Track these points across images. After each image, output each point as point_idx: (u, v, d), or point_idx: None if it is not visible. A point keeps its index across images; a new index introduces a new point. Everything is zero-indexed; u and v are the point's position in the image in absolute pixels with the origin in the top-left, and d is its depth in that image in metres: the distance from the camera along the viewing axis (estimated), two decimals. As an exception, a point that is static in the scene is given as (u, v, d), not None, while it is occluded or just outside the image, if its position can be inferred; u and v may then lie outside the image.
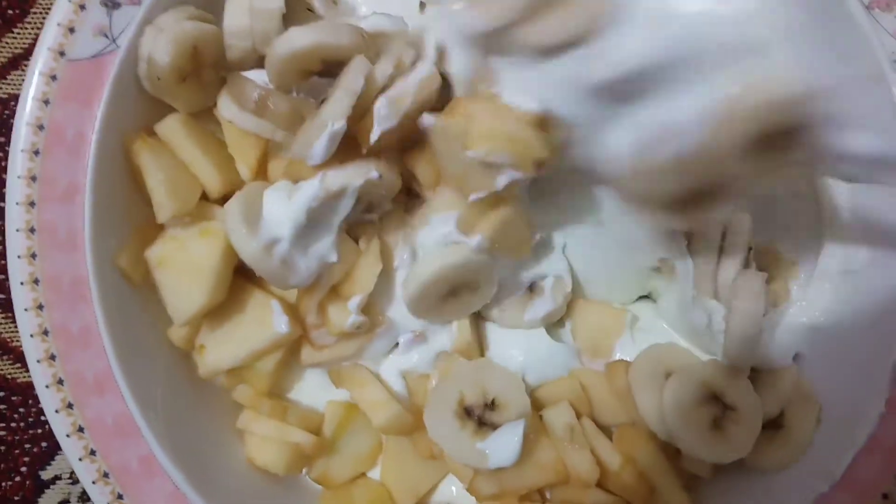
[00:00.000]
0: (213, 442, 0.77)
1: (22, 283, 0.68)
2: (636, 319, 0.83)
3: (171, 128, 0.72)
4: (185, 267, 0.71)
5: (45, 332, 0.69)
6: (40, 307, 0.69)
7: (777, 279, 0.82)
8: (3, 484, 0.91)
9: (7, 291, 0.89)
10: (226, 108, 0.71)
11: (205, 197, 0.75)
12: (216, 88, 0.73)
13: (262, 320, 0.73)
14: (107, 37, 0.69)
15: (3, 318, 0.90)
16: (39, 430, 0.91)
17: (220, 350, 0.74)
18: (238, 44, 0.71)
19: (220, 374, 0.76)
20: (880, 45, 0.72)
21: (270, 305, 0.73)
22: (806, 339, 0.79)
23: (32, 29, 0.89)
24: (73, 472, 0.91)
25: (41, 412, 0.90)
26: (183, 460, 0.71)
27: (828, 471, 0.72)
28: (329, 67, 0.66)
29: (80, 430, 0.69)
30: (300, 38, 0.65)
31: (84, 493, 0.91)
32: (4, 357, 0.90)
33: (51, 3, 0.86)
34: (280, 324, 0.72)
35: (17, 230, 0.68)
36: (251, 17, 0.69)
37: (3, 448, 0.90)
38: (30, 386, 0.90)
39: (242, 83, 0.70)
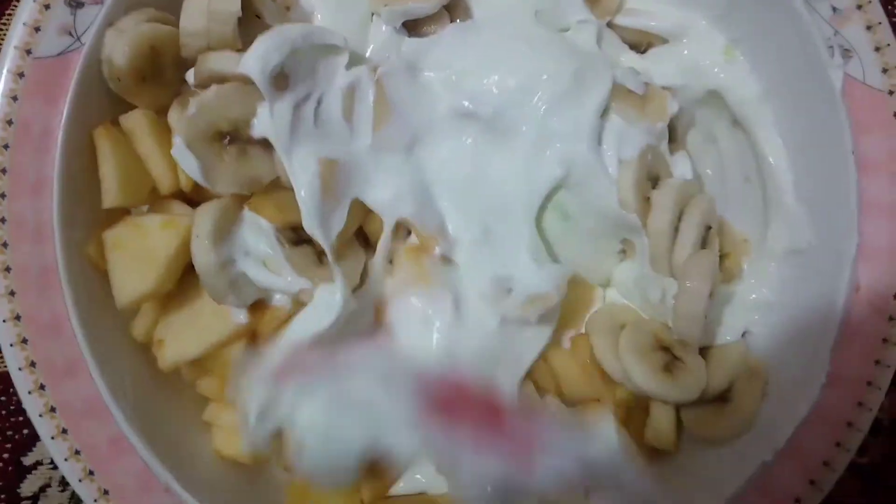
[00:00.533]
0: (182, 423, 0.80)
1: (-7, 272, 0.71)
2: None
3: (135, 121, 0.75)
4: (138, 252, 0.73)
5: (18, 318, 0.72)
6: (12, 293, 0.72)
7: (730, 256, 0.85)
8: (-14, 470, 0.94)
9: (-16, 283, 0.93)
10: (174, 116, 0.75)
11: (156, 192, 0.77)
12: (176, 88, 0.76)
13: (220, 312, 0.75)
14: (71, 35, 0.72)
15: (-17, 309, 0.93)
16: (21, 418, 0.93)
17: (179, 343, 0.76)
18: (193, 43, 0.73)
19: (181, 366, 0.78)
20: (818, 32, 0.75)
21: None
22: (754, 315, 0.83)
23: (3, 29, 0.92)
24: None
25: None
26: (152, 439, 0.74)
27: (773, 440, 0.75)
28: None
29: (53, 409, 0.72)
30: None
31: (65, 478, 0.94)
32: (-14, 347, 0.93)
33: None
34: (238, 315, 0.75)
35: (-12, 221, 0.71)
36: (208, 18, 0.72)
37: (-15, 435, 0.93)
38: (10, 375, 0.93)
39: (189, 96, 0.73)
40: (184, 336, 0.76)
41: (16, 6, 0.90)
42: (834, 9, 0.74)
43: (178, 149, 0.70)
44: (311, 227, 0.72)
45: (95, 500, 0.72)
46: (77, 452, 0.72)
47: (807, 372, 0.75)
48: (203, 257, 0.72)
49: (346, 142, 0.76)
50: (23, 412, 0.92)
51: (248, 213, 0.75)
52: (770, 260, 0.82)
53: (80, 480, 0.72)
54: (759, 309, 0.82)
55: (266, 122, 0.71)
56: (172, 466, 0.73)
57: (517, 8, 0.82)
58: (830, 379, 0.74)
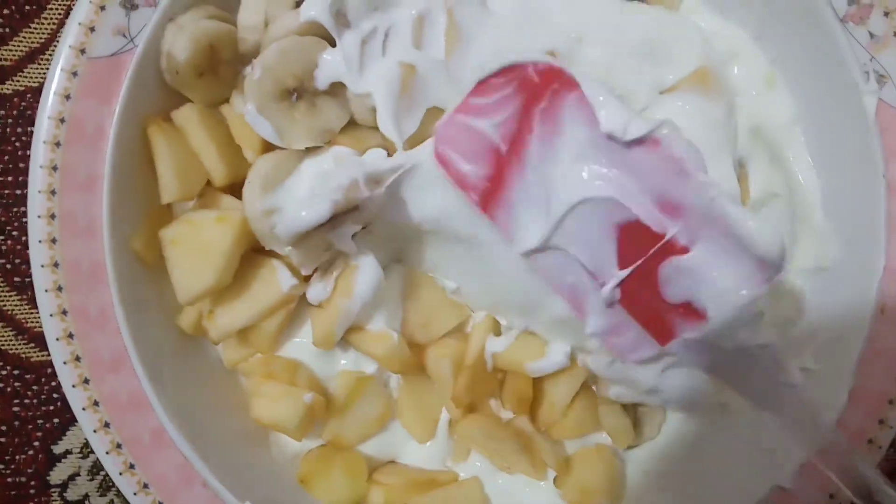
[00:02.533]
0: (222, 419, 0.82)
1: (42, 266, 0.73)
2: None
3: (187, 116, 0.76)
4: (196, 247, 0.75)
5: (64, 312, 0.73)
6: (59, 289, 0.73)
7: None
8: (17, 457, 0.95)
9: (22, 276, 0.94)
10: (238, 104, 0.77)
11: (210, 185, 0.79)
12: (232, 83, 0.78)
13: (269, 280, 0.77)
14: (125, 36, 0.74)
15: (18, 300, 0.94)
16: (52, 407, 0.95)
17: (230, 313, 0.78)
18: (250, 37, 0.76)
19: (231, 335, 0.79)
20: (853, 56, 0.76)
21: (274, 266, 0.78)
22: (780, 331, 0.84)
23: (49, 24, 0.93)
24: (83, 447, 0.95)
25: (53, 390, 0.95)
26: (190, 432, 0.75)
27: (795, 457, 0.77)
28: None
29: (96, 403, 0.74)
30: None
31: (94, 466, 0.96)
32: (20, 337, 0.95)
33: (67, 0, 0.91)
34: (285, 281, 0.77)
35: (39, 216, 0.73)
36: (268, 4, 0.74)
37: (17, 423, 0.95)
38: (43, 365, 0.95)
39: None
40: (235, 305, 0.78)
41: (56, 3, 0.92)
42: (871, 35, 0.76)
43: (251, 115, 0.73)
44: (385, 125, 0.74)
45: (135, 493, 0.74)
46: (119, 446, 0.74)
47: (830, 389, 0.77)
48: (251, 204, 0.74)
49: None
50: (53, 402, 0.95)
51: (308, 164, 0.77)
52: (796, 276, 0.84)
53: (120, 474, 0.74)
54: (786, 326, 0.84)
55: (332, 65, 0.74)
56: (211, 461, 0.75)
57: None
58: (853, 396, 0.76)
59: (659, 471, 0.86)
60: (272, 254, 0.79)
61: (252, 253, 0.79)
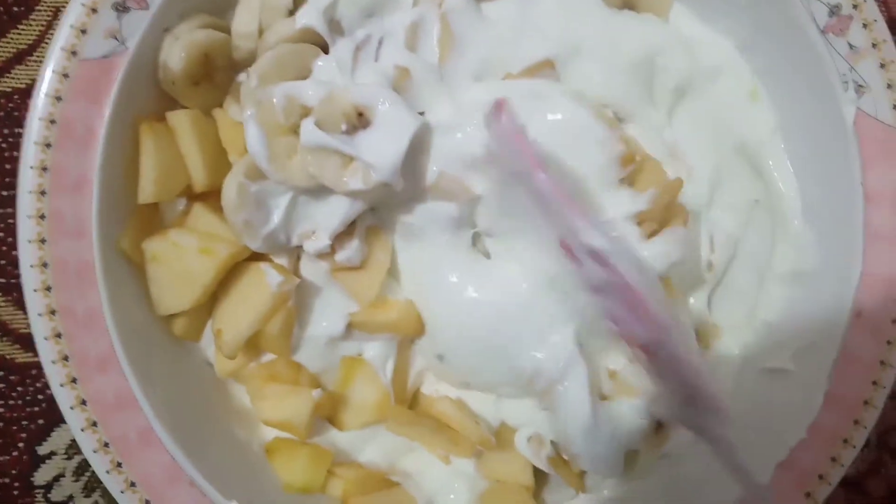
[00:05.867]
0: (210, 418, 0.82)
1: (32, 266, 0.73)
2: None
3: (180, 119, 0.77)
4: (177, 271, 0.77)
5: (53, 312, 0.73)
6: (48, 289, 0.73)
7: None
8: (1, 458, 0.95)
9: (7, 275, 0.94)
10: (234, 111, 0.78)
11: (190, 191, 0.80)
12: (227, 88, 0.79)
13: (259, 284, 0.78)
14: (116, 39, 0.74)
15: (3, 301, 0.94)
16: (36, 408, 0.95)
17: (234, 326, 0.78)
18: (244, 45, 0.77)
19: (241, 348, 0.79)
20: (833, 66, 0.78)
21: (262, 269, 0.78)
22: (759, 334, 0.86)
23: (37, 26, 0.93)
24: (67, 448, 0.95)
25: (38, 391, 0.95)
26: (177, 431, 0.76)
27: (775, 454, 0.79)
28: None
29: (83, 402, 0.74)
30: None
31: (78, 467, 0.96)
32: (4, 338, 0.95)
33: (55, 2, 0.92)
34: (273, 280, 0.77)
35: (29, 217, 0.73)
36: (261, 13, 0.75)
37: (1, 424, 0.95)
38: (28, 366, 0.95)
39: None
40: (236, 317, 0.78)
41: (43, 5, 0.93)
42: (850, 45, 0.77)
43: (249, 126, 0.73)
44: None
45: (122, 492, 0.74)
46: (106, 445, 0.74)
47: (807, 390, 0.79)
48: (229, 190, 0.75)
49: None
50: (38, 403, 0.95)
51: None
52: (774, 282, 0.86)
53: (107, 472, 0.74)
54: (764, 328, 0.85)
55: (326, 70, 0.75)
56: (198, 460, 0.75)
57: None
58: (828, 398, 0.78)
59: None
60: (257, 258, 0.80)
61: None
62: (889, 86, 0.78)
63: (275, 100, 0.73)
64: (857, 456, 0.78)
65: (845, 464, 0.77)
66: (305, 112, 0.73)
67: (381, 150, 0.72)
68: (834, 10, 0.77)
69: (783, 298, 0.85)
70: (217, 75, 0.78)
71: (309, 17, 0.73)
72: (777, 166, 0.85)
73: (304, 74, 0.75)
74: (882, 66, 0.77)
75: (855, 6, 0.77)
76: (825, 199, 0.82)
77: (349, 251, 0.78)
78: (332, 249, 0.78)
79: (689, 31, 0.86)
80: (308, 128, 0.72)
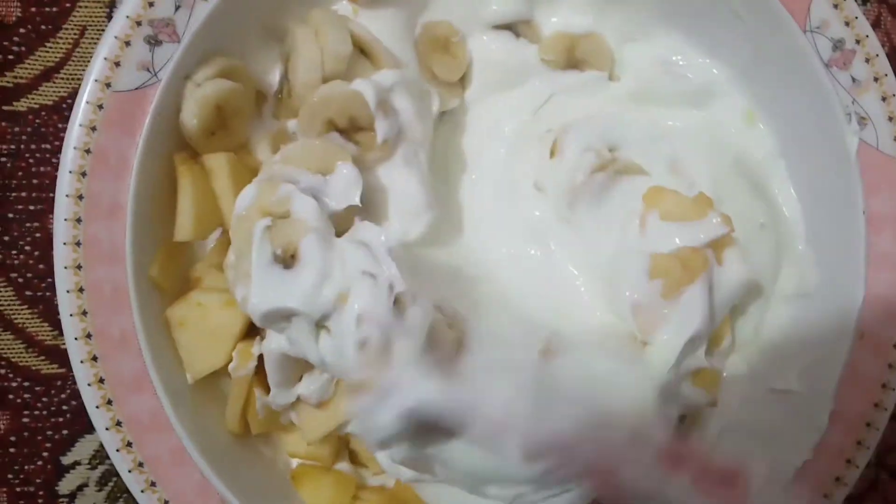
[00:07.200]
0: (237, 434, 0.85)
1: (68, 292, 0.75)
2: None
3: (218, 161, 0.79)
4: (205, 331, 0.78)
5: (88, 336, 0.76)
6: (84, 313, 0.76)
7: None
8: (26, 467, 0.97)
9: (34, 288, 0.96)
10: (262, 152, 0.82)
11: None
12: (245, 131, 0.81)
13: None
14: (149, 71, 0.76)
15: (30, 314, 0.96)
16: (61, 419, 0.97)
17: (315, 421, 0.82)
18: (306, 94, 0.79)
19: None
20: (837, 99, 0.81)
21: None
22: (765, 353, 0.89)
23: (64, 44, 0.95)
24: (91, 458, 0.98)
25: (63, 402, 0.97)
26: (208, 451, 0.78)
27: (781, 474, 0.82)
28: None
29: (119, 424, 0.76)
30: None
31: (102, 477, 0.98)
32: (30, 350, 0.97)
33: (83, 19, 0.94)
34: None
35: (65, 243, 0.75)
36: (323, 56, 0.77)
37: (26, 434, 0.97)
38: (53, 377, 0.97)
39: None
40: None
41: (71, 24, 0.95)
42: (853, 79, 0.80)
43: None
44: None
45: (158, 509, 0.77)
46: (140, 465, 0.77)
47: (812, 411, 0.82)
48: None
49: None
50: (63, 413, 0.97)
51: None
52: (780, 303, 0.89)
53: (142, 491, 0.77)
54: (769, 348, 0.88)
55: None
56: (229, 479, 0.78)
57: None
58: (832, 418, 0.81)
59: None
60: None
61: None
62: (890, 118, 0.81)
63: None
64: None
65: (849, 483, 0.80)
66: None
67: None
68: (838, 45, 0.80)
69: (788, 318, 0.87)
70: (232, 123, 0.80)
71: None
72: (781, 191, 0.88)
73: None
74: (883, 99, 0.80)
75: (858, 41, 0.80)
76: (829, 225, 0.84)
77: (313, 385, 0.79)
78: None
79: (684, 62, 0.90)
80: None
